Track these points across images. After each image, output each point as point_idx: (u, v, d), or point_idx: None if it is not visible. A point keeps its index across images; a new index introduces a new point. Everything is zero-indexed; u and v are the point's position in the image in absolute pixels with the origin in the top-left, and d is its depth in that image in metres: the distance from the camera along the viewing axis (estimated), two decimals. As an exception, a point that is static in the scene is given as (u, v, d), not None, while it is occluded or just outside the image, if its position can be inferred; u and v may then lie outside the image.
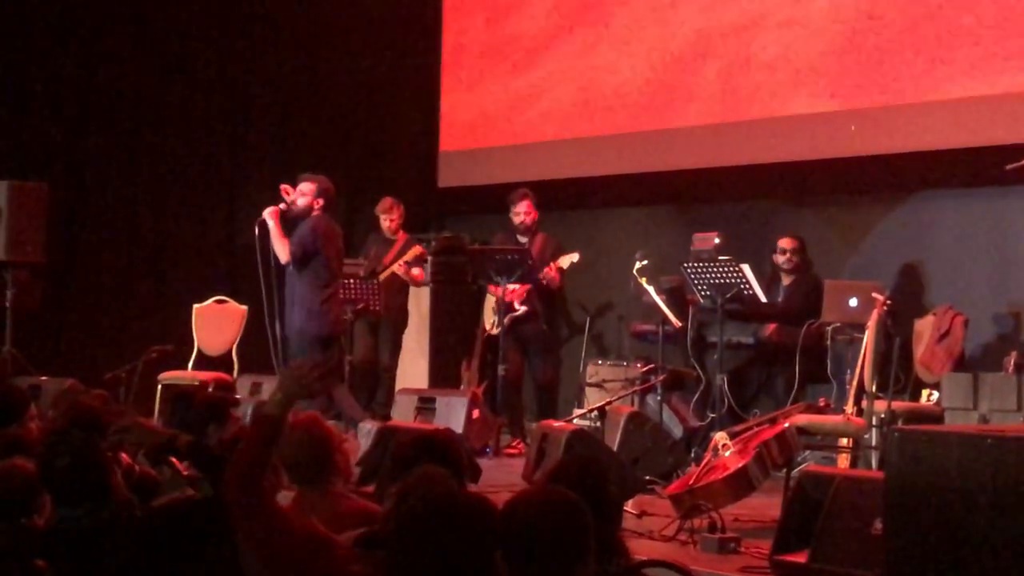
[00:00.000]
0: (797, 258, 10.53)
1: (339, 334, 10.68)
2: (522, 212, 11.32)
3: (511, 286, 10.95)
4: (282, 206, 10.13)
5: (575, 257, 11.11)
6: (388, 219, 12.09)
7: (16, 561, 4.11)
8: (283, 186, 10.29)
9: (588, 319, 12.08)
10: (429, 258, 12.69)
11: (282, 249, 10.03)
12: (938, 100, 10.15)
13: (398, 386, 11.74)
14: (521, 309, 11.14)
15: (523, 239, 11.33)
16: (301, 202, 10.14)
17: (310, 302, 10.07)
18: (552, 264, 11.09)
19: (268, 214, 10.08)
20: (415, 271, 11.95)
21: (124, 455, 6.37)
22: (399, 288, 11.99)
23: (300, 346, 10.07)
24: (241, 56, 13.82)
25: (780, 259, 10.54)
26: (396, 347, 12.11)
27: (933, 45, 10.16)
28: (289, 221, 10.19)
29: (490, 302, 11.52)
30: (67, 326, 12.81)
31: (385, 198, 12.18)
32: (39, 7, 12.78)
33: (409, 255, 11.86)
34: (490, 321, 11.50)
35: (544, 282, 11.08)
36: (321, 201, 10.15)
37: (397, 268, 11.75)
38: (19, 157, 12.34)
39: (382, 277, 11.61)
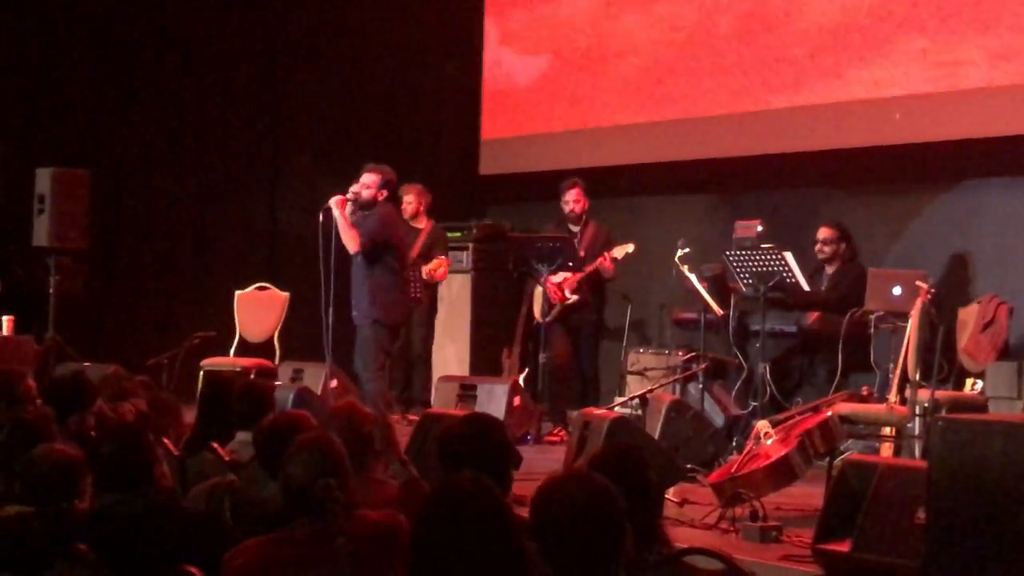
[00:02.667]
0: (833, 248, 10.46)
1: (407, 321, 10.87)
2: (571, 200, 11.29)
3: (560, 275, 10.98)
4: (349, 196, 10.09)
5: (630, 248, 11.05)
6: (406, 201, 11.86)
7: (58, 545, 4.12)
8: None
9: (629, 307, 12.04)
10: (471, 245, 12.67)
11: (351, 240, 9.99)
12: (984, 87, 10.07)
13: (439, 373, 11.73)
14: (573, 298, 11.13)
15: (574, 228, 11.32)
16: (365, 194, 10.10)
17: (386, 291, 10.10)
18: (606, 254, 11.06)
19: (335, 203, 10.03)
20: (440, 271, 11.86)
21: (167, 441, 6.41)
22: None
23: (376, 335, 10.09)
24: (282, 44, 13.85)
25: (824, 249, 10.49)
26: (429, 334, 12.10)
27: (979, 31, 10.08)
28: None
29: (540, 289, 11.46)
30: (109, 312, 12.89)
31: (412, 185, 11.96)
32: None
33: (432, 267, 11.79)
34: (539, 309, 11.43)
35: (598, 271, 11.06)
36: (385, 192, 10.16)
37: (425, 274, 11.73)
38: (62, 144, 12.41)
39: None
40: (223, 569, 4.12)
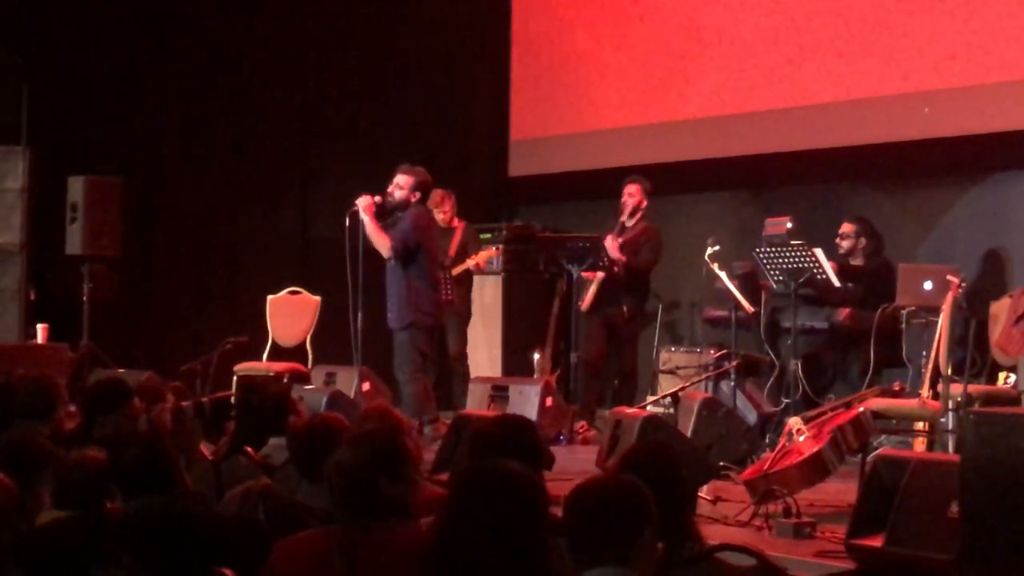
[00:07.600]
0: (852, 242, 10.45)
1: (443, 323, 10.88)
2: (625, 193, 11.13)
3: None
4: (377, 198, 10.07)
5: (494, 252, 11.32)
6: (440, 212, 11.86)
7: (94, 548, 4.15)
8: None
9: (660, 306, 12.04)
10: (501, 247, 12.69)
11: (382, 244, 9.96)
12: (1013, 80, 10.05)
13: (472, 375, 11.72)
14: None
15: (626, 221, 11.20)
16: (398, 195, 10.06)
17: (419, 294, 10.06)
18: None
19: (363, 208, 9.99)
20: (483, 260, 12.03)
21: (203, 448, 6.45)
22: (463, 280, 11.99)
23: (411, 338, 10.09)
24: (313, 47, 13.89)
25: (842, 244, 10.47)
26: (463, 337, 12.11)
27: (1008, 24, 10.05)
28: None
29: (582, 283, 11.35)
30: (143, 319, 12.94)
31: (434, 191, 11.54)
32: (113, 3, 12.89)
33: (483, 257, 11.88)
34: (587, 300, 11.27)
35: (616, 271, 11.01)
36: (418, 194, 10.11)
37: (471, 265, 11.79)
38: (95, 153, 12.46)
39: (455, 272, 11.60)
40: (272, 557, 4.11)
